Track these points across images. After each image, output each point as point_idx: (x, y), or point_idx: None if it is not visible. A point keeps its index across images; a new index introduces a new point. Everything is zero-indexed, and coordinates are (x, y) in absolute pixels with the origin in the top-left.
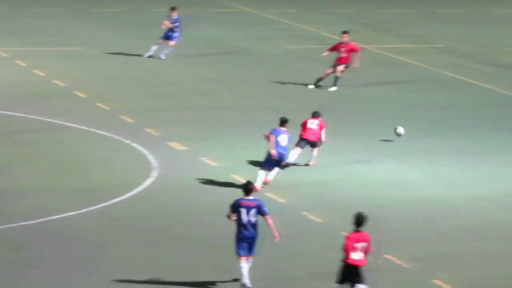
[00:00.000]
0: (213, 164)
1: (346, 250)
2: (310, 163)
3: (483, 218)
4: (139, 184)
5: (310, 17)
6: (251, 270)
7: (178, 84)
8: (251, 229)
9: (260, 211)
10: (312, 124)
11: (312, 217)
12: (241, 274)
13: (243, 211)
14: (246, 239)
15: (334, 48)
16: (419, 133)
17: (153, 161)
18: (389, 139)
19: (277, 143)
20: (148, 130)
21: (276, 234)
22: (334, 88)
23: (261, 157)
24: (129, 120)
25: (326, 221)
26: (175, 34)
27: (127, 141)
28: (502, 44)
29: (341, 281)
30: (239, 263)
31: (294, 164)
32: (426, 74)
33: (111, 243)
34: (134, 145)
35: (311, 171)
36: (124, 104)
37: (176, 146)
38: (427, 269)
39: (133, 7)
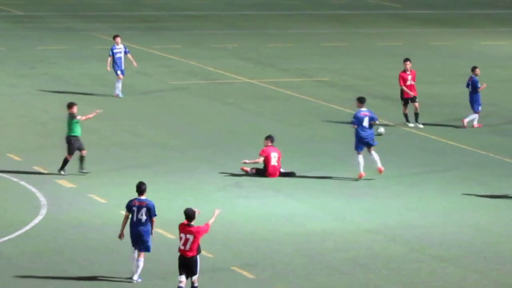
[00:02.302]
0: (102, 201)
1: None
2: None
3: (372, 250)
4: (28, 222)
5: (195, 52)
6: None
7: (64, 121)
8: (140, 227)
9: (149, 211)
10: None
11: (202, 252)
12: (132, 263)
13: (135, 209)
14: (135, 235)
15: (403, 79)
16: (305, 166)
17: (42, 199)
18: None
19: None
20: (36, 167)
21: (152, 232)
22: (421, 125)
23: (149, 193)
24: (16, 158)
25: (216, 256)
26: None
27: (15, 179)
28: (386, 76)
29: (180, 271)
30: (132, 252)
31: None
32: (313, 107)
33: (1, 282)
34: (22, 183)
35: (198, 206)
36: (11, 142)
37: (65, 183)
38: None
39: (15, 45)
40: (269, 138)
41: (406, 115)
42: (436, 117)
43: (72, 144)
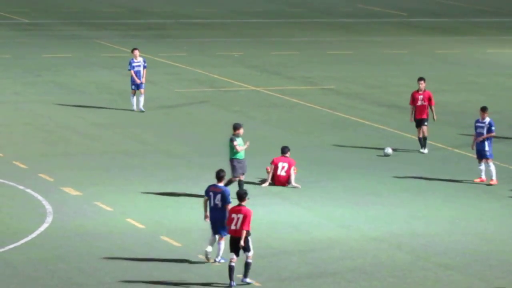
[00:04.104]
0: (108, 209)
1: (227, 222)
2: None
3: (377, 258)
4: (34, 230)
5: (200, 60)
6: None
7: (70, 129)
8: (216, 212)
9: (223, 198)
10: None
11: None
12: (208, 244)
13: (212, 195)
14: (213, 219)
15: (413, 99)
16: (311, 174)
17: (48, 207)
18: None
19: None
20: (41, 175)
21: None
22: (425, 151)
23: (155, 200)
24: (22, 166)
25: (222, 264)
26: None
27: (20, 187)
28: (391, 84)
29: (231, 250)
30: (211, 235)
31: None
32: (318, 115)
33: None
34: (28, 190)
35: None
36: (17, 150)
37: (70, 191)
38: None
39: (21, 53)
40: (282, 149)
41: (419, 140)
42: (441, 125)
43: (235, 166)
